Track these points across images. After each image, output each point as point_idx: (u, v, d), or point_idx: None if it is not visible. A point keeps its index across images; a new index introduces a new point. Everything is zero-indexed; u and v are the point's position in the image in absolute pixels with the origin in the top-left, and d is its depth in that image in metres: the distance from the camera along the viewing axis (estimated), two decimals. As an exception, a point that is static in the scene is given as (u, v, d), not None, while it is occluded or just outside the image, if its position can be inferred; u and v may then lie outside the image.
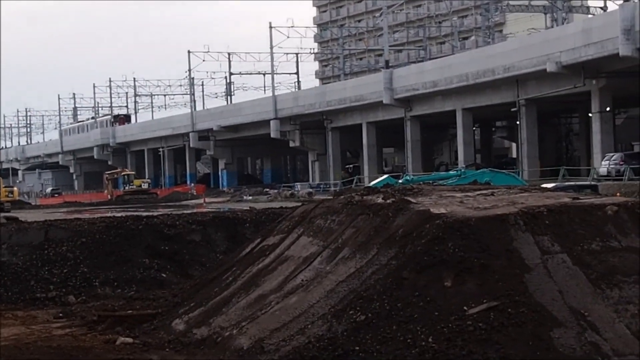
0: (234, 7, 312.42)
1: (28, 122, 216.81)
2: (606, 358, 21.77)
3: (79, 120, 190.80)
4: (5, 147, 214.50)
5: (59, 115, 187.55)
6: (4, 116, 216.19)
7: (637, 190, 49.91)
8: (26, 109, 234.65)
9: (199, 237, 43.90)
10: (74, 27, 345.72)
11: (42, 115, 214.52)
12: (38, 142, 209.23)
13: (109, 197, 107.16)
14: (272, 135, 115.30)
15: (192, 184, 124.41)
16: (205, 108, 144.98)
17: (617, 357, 21.92)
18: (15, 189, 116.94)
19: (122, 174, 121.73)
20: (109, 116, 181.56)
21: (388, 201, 29.12)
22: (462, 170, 63.40)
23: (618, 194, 43.19)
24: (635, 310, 23.42)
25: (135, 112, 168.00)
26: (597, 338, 22.40)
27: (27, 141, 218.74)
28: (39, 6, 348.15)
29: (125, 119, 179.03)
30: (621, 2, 69.87)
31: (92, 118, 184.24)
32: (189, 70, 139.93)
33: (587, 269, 24.27)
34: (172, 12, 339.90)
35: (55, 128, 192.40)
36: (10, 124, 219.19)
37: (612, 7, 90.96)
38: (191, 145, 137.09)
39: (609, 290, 23.85)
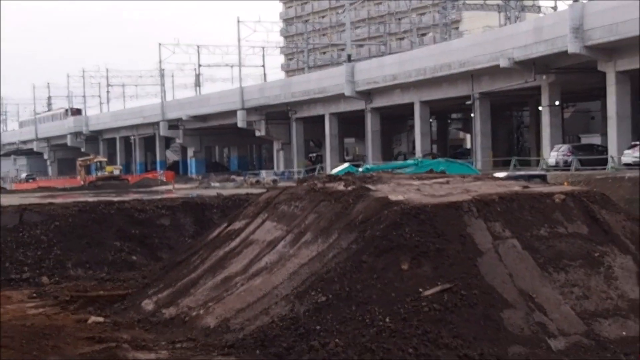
0: (203, 2, 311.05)
1: (3, 109, 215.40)
2: (552, 337, 21.96)
3: (47, 110, 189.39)
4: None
5: (34, 103, 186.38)
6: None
7: (583, 179, 50.19)
8: (2, 97, 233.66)
9: (168, 222, 43.85)
10: (47, 19, 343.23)
11: (17, 104, 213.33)
12: (13, 129, 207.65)
13: (82, 182, 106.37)
14: (239, 124, 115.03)
15: (162, 171, 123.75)
16: (174, 98, 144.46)
17: (562, 336, 22.10)
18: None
19: (95, 160, 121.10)
20: (63, 109, 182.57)
21: (349, 188, 29.18)
22: (419, 159, 63.55)
23: (565, 183, 43.49)
24: (580, 292, 23.61)
25: (108, 102, 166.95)
26: (544, 319, 22.57)
27: (2, 128, 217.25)
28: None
29: (77, 111, 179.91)
30: (570, 2, 70.05)
31: (48, 111, 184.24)
32: (160, 62, 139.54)
33: (535, 254, 24.45)
34: (144, 7, 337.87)
35: (30, 116, 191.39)
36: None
37: (562, 6, 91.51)
38: (161, 134, 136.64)
39: (556, 273, 24.04)
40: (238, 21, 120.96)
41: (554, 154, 68.89)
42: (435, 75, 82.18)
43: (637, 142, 63.49)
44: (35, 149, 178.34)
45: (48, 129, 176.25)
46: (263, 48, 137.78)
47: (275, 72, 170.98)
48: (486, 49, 75.66)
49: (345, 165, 65.89)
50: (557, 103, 73.17)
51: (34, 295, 34.30)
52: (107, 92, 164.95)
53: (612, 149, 64.35)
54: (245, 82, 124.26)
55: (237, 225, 32.82)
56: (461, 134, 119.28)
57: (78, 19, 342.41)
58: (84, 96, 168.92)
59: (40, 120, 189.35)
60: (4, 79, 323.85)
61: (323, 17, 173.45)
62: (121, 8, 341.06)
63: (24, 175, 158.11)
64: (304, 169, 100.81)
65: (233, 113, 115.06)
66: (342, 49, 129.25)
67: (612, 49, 63.10)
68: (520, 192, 27.88)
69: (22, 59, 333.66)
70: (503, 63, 71.36)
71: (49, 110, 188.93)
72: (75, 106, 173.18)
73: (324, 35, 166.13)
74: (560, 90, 73.10)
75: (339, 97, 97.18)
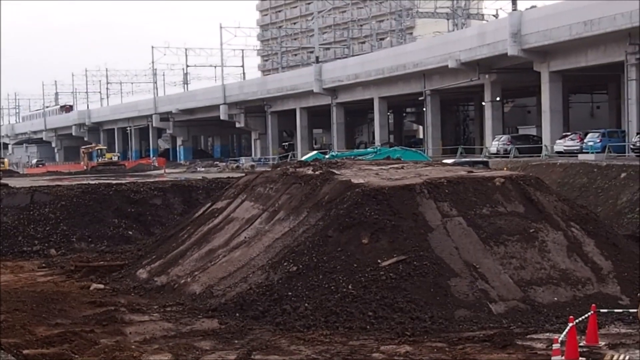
0: (190, 9, 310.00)
1: (17, 104, 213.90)
2: (493, 302, 22.02)
3: (55, 104, 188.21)
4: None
5: (43, 99, 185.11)
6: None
7: (520, 165, 50.28)
8: (15, 93, 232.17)
9: (160, 201, 43.69)
10: (52, 23, 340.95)
11: (29, 99, 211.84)
12: (25, 120, 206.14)
13: (85, 167, 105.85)
14: (222, 117, 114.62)
15: (154, 157, 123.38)
16: (165, 94, 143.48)
17: (502, 301, 22.17)
18: (5, 160, 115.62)
19: (96, 148, 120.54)
20: (57, 106, 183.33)
21: (316, 173, 29.14)
22: (378, 148, 63.53)
23: (505, 168, 43.49)
24: (517, 263, 23.67)
25: (107, 97, 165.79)
26: (486, 286, 22.64)
27: (16, 120, 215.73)
28: (33, 6, 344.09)
29: (70, 108, 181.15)
30: (510, 10, 70.04)
31: (47, 107, 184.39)
32: (152, 62, 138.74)
33: (478, 230, 24.51)
34: (138, 12, 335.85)
35: (39, 109, 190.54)
36: (2, 106, 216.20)
37: (502, 14, 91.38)
38: (154, 125, 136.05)
39: (496, 247, 24.10)
40: (220, 27, 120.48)
41: (495, 143, 68.96)
42: (392, 75, 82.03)
43: (568, 133, 63.76)
44: (44, 138, 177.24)
45: (55, 121, 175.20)
46: (242, 50, 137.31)
47: (253, 72, 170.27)
48: (436, 51, 75.59)
49: (314, 152, 65.84)
50: (497, 99, 73.24)
51: (43, 265, 34.19)
52: (107, 88, 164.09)
53: (546, 139, 64.48)
54: (227, 80, 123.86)
55: (219, 204, 32.74)
56: (414, 126, 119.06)
57: (80, 23, 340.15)
58: (86, 92, 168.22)
59: (38, 116, 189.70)
60: (18, 77, 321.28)
61: (294, 23, 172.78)
62: (117, 13, 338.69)
63: (34, 161, 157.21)
64: (278, 155, 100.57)
65: (216, 107, 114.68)
66: (311, 52, 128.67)
67: (546, 52, 63.19)
68: (465, 176, 27.92)
69: (33, 60, 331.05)
70: (451, 64, 71.30)
71: (56, 104, 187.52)
72: (80, 101, 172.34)
73: (295, 39, 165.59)
74: (501, 88, 73.14)
75: (309, 94, 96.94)
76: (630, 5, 53.12)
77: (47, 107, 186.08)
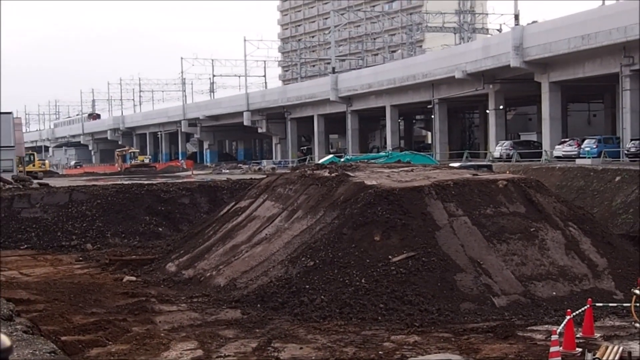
0: (218, 22, 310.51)
1: (57, 110, 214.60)
2: (496, 296, 21.94)
3: (92, 111, 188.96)
4: (39, 130, 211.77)
5: (81, 105, 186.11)
6: (39, 105, 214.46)
7: (522, 169, 50.11)
8: (55, 100, 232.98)
9: (187, 201, 43.74)
10: (90, 34, 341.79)
11: (68, 105, 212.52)
12: (57, 126, 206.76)
13: (119, 169, 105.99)
14: (245, 123, 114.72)
15: (183, 160, 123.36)
16: (193, 102, 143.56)
17: (504, 295, 22.09)
18: (46, 161, 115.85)
19: (129, 151, 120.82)
20: (86, 114, 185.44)
21: (332, 175, 29.14)
22: (389, 152, 63.44)
23: (507, 172, 43.34)
24: (518, 260, 23.60)
25: (140, 104, 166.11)
26: (489, 281, 22.56)
27: (48, 126, 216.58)
28: (68, 20, 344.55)
29: (97, 116, 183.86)
30: (512, 25, 69.86)
31: (77, 115, 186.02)
32: (182, 72, 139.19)
33: (482, 228, 24.44)
34: (170, 27, 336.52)
35: (77, 115, 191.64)
36: (44, 112, 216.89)
37: (505, 29, 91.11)
38: (182, 130, 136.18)
39: (499, 244, 24.02)
40: (244, 40, 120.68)
41: (498, 148, 68.83)
42: (403, 84, 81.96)
43: (566, 139, 63.54)
44: (82, 142, 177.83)
45: (92, 126, 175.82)
46: (264, 62, 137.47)
47: (274, 81, 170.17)
48: (444, 63, 75.52)
49: (330, 156, 65.77)
50: (501, 107, 73.07)
51: (80, 258, 34.30)
52: (140, 96, 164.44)
53: (546, 145, 64.32)
54: (250, 89, 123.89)
55: (242, 204, 32.77)
56: (423, 132, 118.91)
57: (115, 34, 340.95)
58: (121, 99, 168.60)
59: (66, 123, 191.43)
60: (59, 85, 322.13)
61: (313, 37, 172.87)
62: (151, 27, 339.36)
63: (72, 162, 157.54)
64: (296, 159, 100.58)
65: (240, 114, 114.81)
66: (328, 63, 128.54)
67: (546, 64, 63.03)
68: (470, 178, 27.87)
69: (72, 68, 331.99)
70: (458, 75, 71.20)
71: (93, 111, 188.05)
72: (115, 107, 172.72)
73: (313, 51, 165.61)
74: (504, 97, 73.00)
75: (325, 102, 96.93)
76: (624, 21, 52.98)
77: (77, 115, 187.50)
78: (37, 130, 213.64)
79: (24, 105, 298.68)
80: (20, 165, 77.72)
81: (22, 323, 15.85)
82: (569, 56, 59.34)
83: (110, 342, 18.32)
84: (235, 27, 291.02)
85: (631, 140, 54.86)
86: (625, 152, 54.65)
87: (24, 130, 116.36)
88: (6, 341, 3.99)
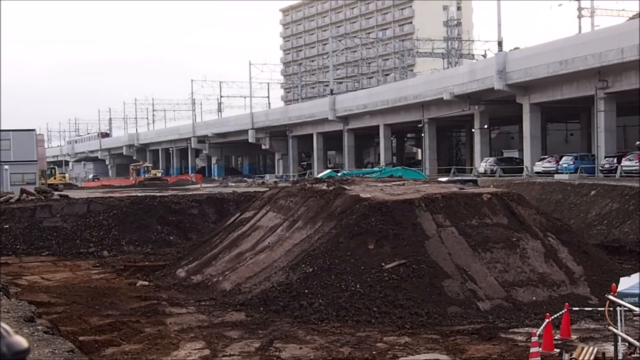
0: (226, 47, 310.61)
1: (77, 127, 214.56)
2: (480, 300, 21.92)
3: (109, 128, 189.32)
4: (60, 145, 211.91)
5: (99, 123, 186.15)
6: (60, 123, 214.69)
7: (505, 184, 50.09)
8: (75, 118, 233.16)
9: (196, 211, 43.71)
10: (108, 58, 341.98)
11: (87, 123, 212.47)
12: (70, 143, 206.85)
13: (133, 182, 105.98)
14: (250, 140, 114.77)
15: (193, 174, 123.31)
16: (202, 120, 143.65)
17: (488, 300, 22.07)
18: (66, 175, 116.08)
19: (143, 165, 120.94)
20: (97, 132, 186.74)
21: (330, 188, 29.13)
22: (383, 167, 63.46)
23: (491, 186, 43.33)
24: (501, 267, 23.58)
25: (153, 122, 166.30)
26: (474, 287, 22.54)
27: (59, 143, 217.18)
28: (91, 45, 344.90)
29: (106, 134, 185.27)
30: (497, 51, 69.94)
31: (88, 134, 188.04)
32: (192, 93, 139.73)
33: (468, 238, 24.43)
34: (182, 51, 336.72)
35: (89, 133, 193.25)
36: (64, 129, 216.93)
37: (490, 55, 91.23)
38: (192, 146, 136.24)
39: (483, 253, 24.01)
40: (250, 64, 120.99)
41: (483, 164, 68.79)
42: (395, 105, 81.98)
43: (545, 156, 63.56)
44: (99, 157, 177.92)
45: (109, 142, 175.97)
46: (268, 84, 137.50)
47: (277, 102, 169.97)
48: (433, 86, 75.57)
49: (328, 171, 65.84)
50: (485, 126, 73.08)
51: (97, 264, 34.28)
52: (153, 115, 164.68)
53: (527, 161, 64.29)
54: (255, 109, 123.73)
55: (247, 214, 32.76)
56: (414, 149, 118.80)
57: (132, 59, 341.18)
58: (135, 118, 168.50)
59: (81, 140, 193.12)
60: (79, 104, 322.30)
61: (313, 61, 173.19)
62: (165, 50, 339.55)
63: (90, 176, 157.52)
64: (297, 173, 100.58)
65: (245, 132, 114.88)
66: (327, 85, 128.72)
67: (527, 87, 63.07)
68: (457, 192, 27.88)
69: (90, 88, 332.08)
70: (446, 96, 71.23)
71: (109, 128, 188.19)
72: (129, 125, 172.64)
73: (313, 74, 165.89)
74: (488, 117, 72.96)
75: (324, 121, 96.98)
76: (599, 47, 53.11)
77: (88, 133, 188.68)
78: (58, 146, 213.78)
79: (47, 123, 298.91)
80: (42, 178, 77.83)
81: (42, 324, 15.83)
82: (548, 80, 59.42)
83: (124, 342, 18.30)
84: (242, 51, 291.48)
85: (605, 157, 54.90)
86: (600, 168, 54.68)
87: (45, 146, 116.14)
88: (24, 343, 3.95)
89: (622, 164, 52.71)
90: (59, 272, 31.75)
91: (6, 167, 66.58)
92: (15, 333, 4.20)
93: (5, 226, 39.91)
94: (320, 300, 21.53)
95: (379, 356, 16.94)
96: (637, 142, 41.33)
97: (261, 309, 21.87)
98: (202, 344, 18.22)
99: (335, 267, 22.91)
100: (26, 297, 22.65)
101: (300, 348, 17.72)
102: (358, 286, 21.92)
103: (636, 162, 52.02)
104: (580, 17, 75.84)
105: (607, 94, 54.95)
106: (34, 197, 45.95)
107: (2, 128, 71.77)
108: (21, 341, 4.00)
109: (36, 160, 71.30)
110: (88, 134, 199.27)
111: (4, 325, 4.21)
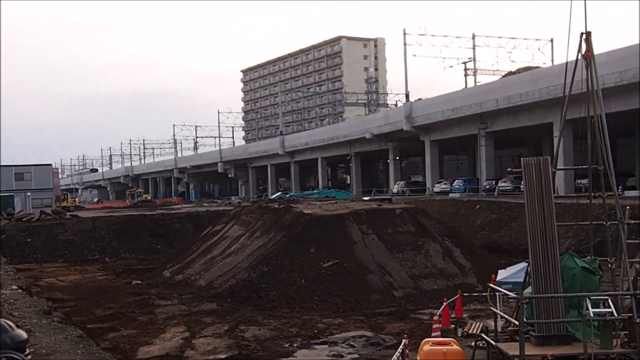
0: (201, 97, 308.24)
1: (84, 162, 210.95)
2: (395, 290, 22.03)
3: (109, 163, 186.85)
4: (71, 176, 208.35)
5: (101, 158, 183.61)
6: (71, 159, 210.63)
7: (412, 201, 50.52)
8: (83, 155, 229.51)
9: (178, 226, 43.32)
10: (108, 104, 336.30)
11: (92, 159, 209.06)
12: (89, 173, 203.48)
13: (129, 204, 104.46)
14: (219, 170, 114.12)
15: (175, 197, 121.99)
16: (182, 155, 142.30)
17: (401, 289, 22.19)
18: (76, 199, 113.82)
19: (136, 191, 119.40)
20: (89, 168, 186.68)
21: (280, 206, 29.10)
22: (320, 190, 63.57)
23: (402, 203, 43.64)
24: (410, 264, 23.73)
25: (144, 157, 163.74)
26: (391, 279, 22.67)
27: (80, 173, 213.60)
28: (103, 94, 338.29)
29: (95, 170, 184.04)
30: (404, 101, 70.62)
31: (83, 169, 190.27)
32: (174, 134, 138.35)
33: (385, 242, 24.59)
34: (168, 96, 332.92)
35: (83, 169, 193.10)
36: (74, 164, 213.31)
37: (400, 104, 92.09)
38: (175, 176, 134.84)
39: (397, 253, 24.17)
40: (218, 112, 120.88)
41: (395, 186, 69.29)
42: (330, 142, 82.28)
43: (442, 180, 64.23)
44: (102, 185, 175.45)
45: (110, 173, 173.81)
46: (232, 127, 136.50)
47: (239, 141, 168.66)
48: (358, 127, 76.05)
49: (279, 193, 65.76)
50: (397, 158, 73.64)
51: (101, 268, 33.75)
52: (144, 152, 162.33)
53: (428, 184, 64.86)
54: (223, 146, 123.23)
55: (217, 227, 32.55)
56: (344, 175, 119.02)
57: (126, 106, 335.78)
58: (130, 154, 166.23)
59: (80, 174, 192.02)
60: (88, 144, 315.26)
61: (266, 109, 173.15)
62: (154, 95, 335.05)
63: (95, 199, 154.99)
64: (255, 195, 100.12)
65: (215, 164, 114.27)
66: (277, 128, 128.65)
67: (428, 128, 63.75)
68: (377, 208, 28.09)
69: (96, 132, 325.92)
70: (367, 135, 71.71)
71: (110, 163, 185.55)
72: (126, 161, 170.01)
73: (267, 120, 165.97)
74: (399, 151, 73.54)
75: (276, 155, 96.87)
76: (481, 98, 54.08)
77: (83, 169, 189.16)
78: (69, 176, 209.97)
79: (60, 159, 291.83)
80: (57, 202, 76.34)
81: (58, 316, 15.55)
82: (443, 123, 60.18)
83: (122, 328, 18.08)
84: (211, 101, 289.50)
85: (486, 180, 55.82)
86: (483, 188, 55.54)
87: (59, 177, 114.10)
88: (24, 335, 3.89)
89: (498, 185, 53.67)
90: (71, 275, 31.19)
91: (28, 193, 66.03)
92: (17, 327, 4.11)
93: (28, 240, 39.20)
94: (274, 292, 21.47)
95: (319, 334, 16.95)
96: (508, 169, 42.26)
97: (229, 300, 21.73)
98: (184, 328, 18.04)
99: (285, 266, 22.87)
100: (45, 295, 22.19)
101: (259, 329, 17.64)
102: (303, 281, 21.91)
103: (509, 184, 53.09)
104: (466, 75, 77.10)
105: (487, 133, 55.90)
106: (50, 217, 45.02)
107: (26, 163, 71.00)
108: (22, 333, 3.92)
109: (52, 188, 70.18)
110: (85, 167, 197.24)
111: (6, 321, 4.12)
